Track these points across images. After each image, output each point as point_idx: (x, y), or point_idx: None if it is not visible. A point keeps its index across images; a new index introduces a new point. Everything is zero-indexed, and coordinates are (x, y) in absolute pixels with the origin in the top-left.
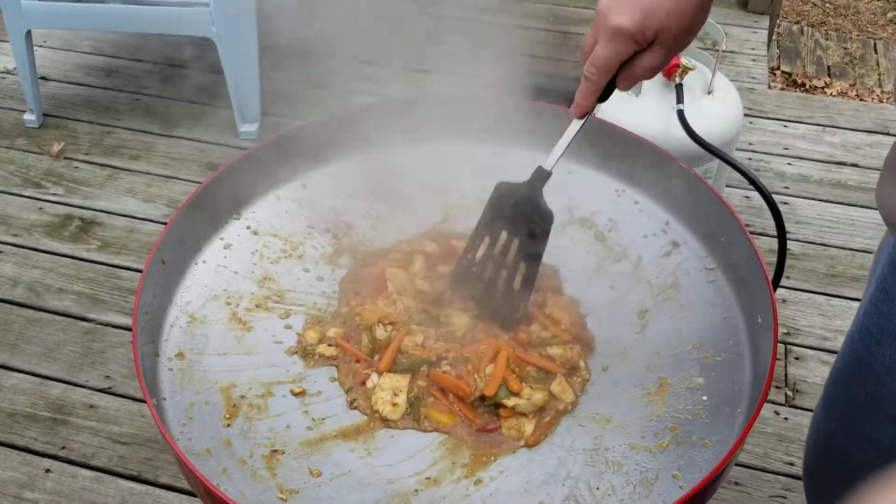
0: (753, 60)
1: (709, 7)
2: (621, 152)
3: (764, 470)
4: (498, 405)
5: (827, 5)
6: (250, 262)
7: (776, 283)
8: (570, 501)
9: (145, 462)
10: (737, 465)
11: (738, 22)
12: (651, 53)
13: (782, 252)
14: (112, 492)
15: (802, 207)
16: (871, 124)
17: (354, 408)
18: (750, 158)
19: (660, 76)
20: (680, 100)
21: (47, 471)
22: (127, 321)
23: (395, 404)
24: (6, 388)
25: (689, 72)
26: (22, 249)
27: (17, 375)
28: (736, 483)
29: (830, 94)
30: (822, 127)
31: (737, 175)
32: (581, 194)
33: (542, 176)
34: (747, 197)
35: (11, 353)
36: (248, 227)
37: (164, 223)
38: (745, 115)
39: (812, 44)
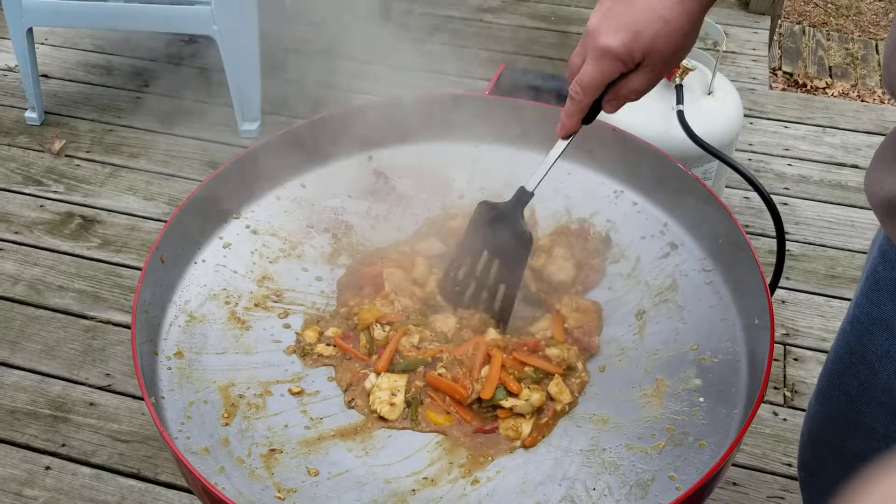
0: (754, 61)
1: (697, 31)
2: (620, 153)
3: (762, 471)
4: (496, 406)
5: (829, 6)
6: (249, 262)
7: (775, 284)
8: (566, 502)
9: (145, 460)
10: (735, 465)
11: (739, 22)
12: (638, 75)
13: (781, 253)
14: (112, 489)
15: (802, 208)
16: (871, 125)
17: (352, 407)
18: (750, 159)
19: None
20: (680, 100)
21: (47, 468)
22: (127, 319)
23: (392, 404)
24: (7, 385)
25: (690, 72)
26: (23, 247)
27: (17, 373)
28: (734, 484)
29: (832, 95)
30: (822, 128)
31: (736, 176)
32: (579, 195)
33: (523, 197)
34: (747, 198)
35: (12, 351)
36: (248, 227)
37: (165, 221)
38: (746, 115)
39: (813, 44)
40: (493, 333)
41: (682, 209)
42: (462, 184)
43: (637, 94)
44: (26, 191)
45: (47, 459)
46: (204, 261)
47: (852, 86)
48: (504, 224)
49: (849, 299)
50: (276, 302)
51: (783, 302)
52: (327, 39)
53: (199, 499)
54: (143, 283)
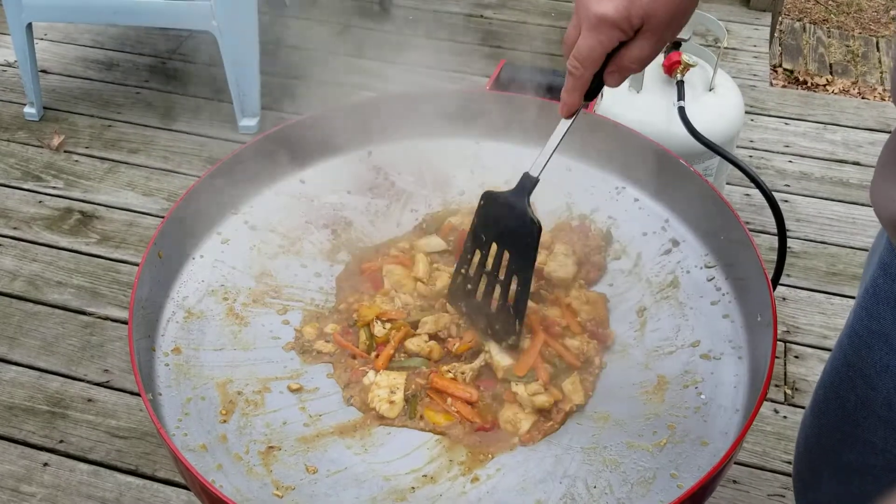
0: (755, 57)
1: None
2: (621, 149)
3: (763, 468)
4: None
5: (829, 3)
6: (248, 258)
7: (776, 281)
8: (566, 500)
9: (143, 456)
10: (735, 463)
11: (741, 19)
12: (639, 43)
13: (782, 250)
14: (110, 486)
15: (803, 205)
16: (872, 122)
17: (351, 405)
18: (751, 156)
19: (661, 73)
20: (681, 96)
21: (45, 464)
22: (126, 315)
23: (391, 402)
24: (5, 381)
25: (691, 68)
26: (21, 242)
27: (15, 369)
28: (734, 481)
29: (832, 92)
30: (823, 125)
31: (737, 172)
32: (580, 191)
33: (528, 183)
34: (748, 195)
35: (10, 347)
36: (246, 223)
37: (164, 217)
38: (747, 112)
39: (814, 41)
40: (495, 350)
41: (683, 205)
42: (462, 180)
43: (640, 64)
44: (25, 186)
45: (45, 456)
46: (202, 256)
47: (853, 83)
48: (511, 212)
49: (850, 297)
50: (274, 298)
51: (784, 299)
52: (327, 35)
53: (196, 496)
54: (140, 279)
